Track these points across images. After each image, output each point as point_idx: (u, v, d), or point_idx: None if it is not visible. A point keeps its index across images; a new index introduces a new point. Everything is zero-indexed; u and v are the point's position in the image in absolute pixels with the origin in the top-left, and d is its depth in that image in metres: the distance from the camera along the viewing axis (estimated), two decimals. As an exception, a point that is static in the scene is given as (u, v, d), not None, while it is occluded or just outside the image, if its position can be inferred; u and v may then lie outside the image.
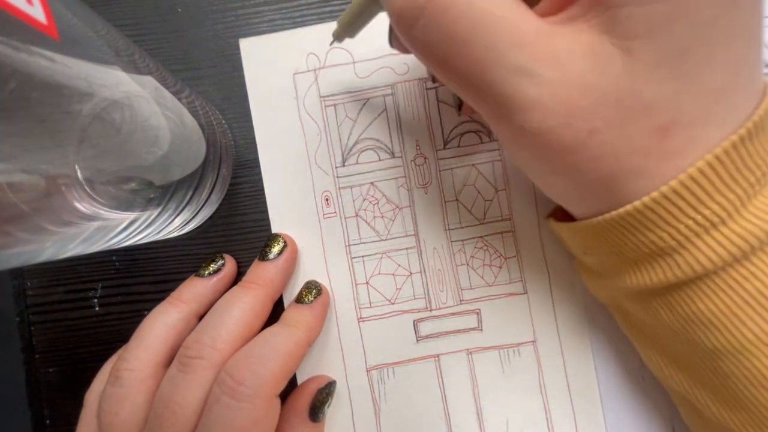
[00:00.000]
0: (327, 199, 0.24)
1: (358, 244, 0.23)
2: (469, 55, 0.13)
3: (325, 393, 0.21)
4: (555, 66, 0.13)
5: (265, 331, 0.20)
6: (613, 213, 0.15)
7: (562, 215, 0.20)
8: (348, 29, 0.19)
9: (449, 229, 0.23)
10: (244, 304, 0.20)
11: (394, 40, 0.18)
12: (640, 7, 0.12)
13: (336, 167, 0.23)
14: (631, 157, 0.13)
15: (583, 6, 0.13)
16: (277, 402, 0.19)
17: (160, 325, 0.21)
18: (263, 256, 0.22)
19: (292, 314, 0.22)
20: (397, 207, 0.24)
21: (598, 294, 0.20)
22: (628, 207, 0.14)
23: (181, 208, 0.20)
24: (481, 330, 0.23)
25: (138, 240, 0.19)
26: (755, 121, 0.13)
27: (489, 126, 0.16)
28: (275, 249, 0.22)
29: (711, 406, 0.17)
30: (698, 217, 0.14)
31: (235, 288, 0.21)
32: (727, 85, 0.13)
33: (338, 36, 0.19)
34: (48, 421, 0.24)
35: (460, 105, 0.23)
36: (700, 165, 0.13)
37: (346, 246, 0.23)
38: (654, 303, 0.16)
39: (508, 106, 0.14)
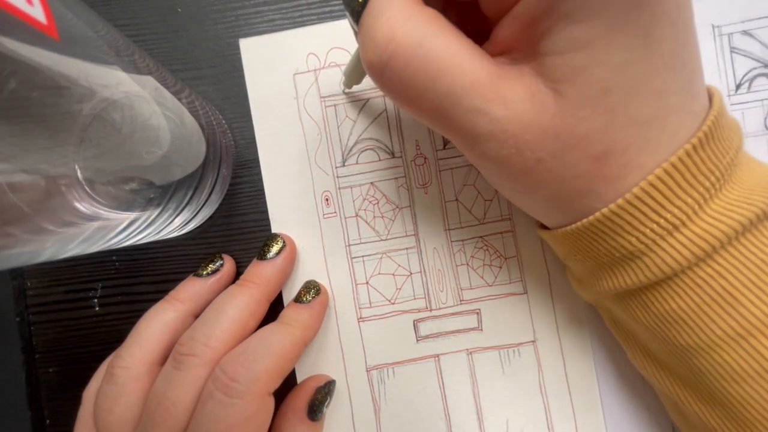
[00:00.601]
0: (327, 199, 0.24)
1: (358, 244, 0.23)
2: (431, 100, 0.15)
3: (324, 392, 0.21)
4: (503, 106, 0.15)
5: (261, 329, 0.20)
6: (576, 225, 0.16)
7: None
8: (352, 79, 0.22)
9: (449, 229, 0.23)
10: (240, 302, 0.20)
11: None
12: (560, 56, 0.14)
13: (336, 167, 0.23)
14: (575, 181, 0.15)
15: (521, 51, 0.15)
16: (271, 400, 0.19)
17: (156, 323, 0.21)
18: (262, 256, 0.22)
19: (290, 313, 0.22)
20: (397, 207, 0.24)
21: (584, 296, 0.21)
22: (591, 218, 0.16)
23: (181, 208, 0.20)
24: (481, 330, 0.23)
25: (138, 240, 0.19)
26: (705, 131, 0.15)
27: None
28: (274, 249, 0.22)
29: (692, 404, 0.17)
30: (661, 221, 0.15)
31: (232, 287, 0.21)
32: (655, 115, 0.14)
33: (347, 85, 0.22)
34: (48, 421, 0.24)
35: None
36: (658, 173, 0.14)
37: (346, 246, 0.23)
38: (631, 304, 0.17)
39: (469, 138, 0.16)
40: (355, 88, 0.23)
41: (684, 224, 0.15)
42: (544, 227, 0.20)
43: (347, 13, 0.16)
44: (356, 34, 0.17)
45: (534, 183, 0.16)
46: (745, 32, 0.23)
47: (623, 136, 0.14)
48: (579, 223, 0.16)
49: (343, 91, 0.23)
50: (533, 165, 0.15)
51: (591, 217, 0.16)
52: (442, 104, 0.15)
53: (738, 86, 0.23)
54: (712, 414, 0.16)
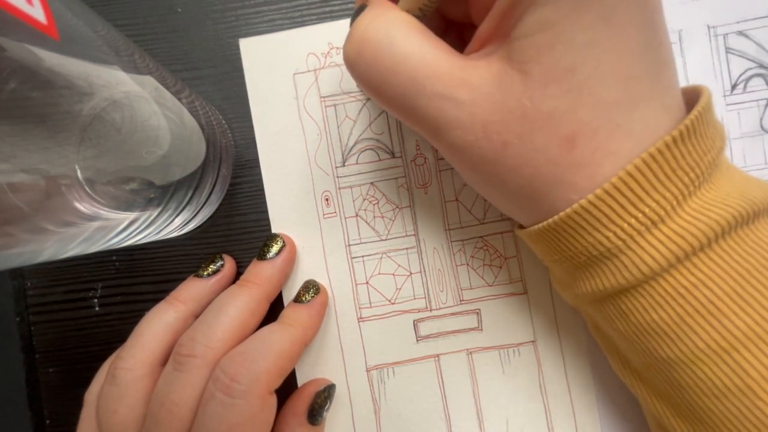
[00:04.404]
0: (327, 199, 0.24)
1: (358, 244, 0.23)
2: (395, 87, 0.16)
3: (323, 396, 0.21)
4: (468, 90, 0.15)
5: (261, 329, 0.20)
6: (551, 220, 0.16)
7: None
8: None
9: (449, 229, 0.23)
10: (240, 302, 0.20)
11: None
12: (527, 39, 0.14)
13: (336, 167, 0.23)
14: (544, 167, 0.15)
15: (494, 44, 0.15)
16: (273, 399, 0.19)
17: (158, 324, 0.21)
18: (262, 256, 0.22)
19: (289, 313, 0.22)
20: (397, 207, 0.24)
21: (567, 299, 0.20)
22: (567, 211, 0.15)
23: (181, 208, 0.20)
24: (481, 330, 0.23)
25: (138, 240, 0.19)
26: (687, 124, 0.14)
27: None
28: (274, 249, 0.22)
29: (671, 419, 0.17)
30: (639, 215, 0.14)
31: (232, 287, 0.21)
32: (621, 97, 0.14)
33: None
34: (48, 421, 0.24)
35: None
36: (637, 162, 0.14)
37: (346, 246, 0.23)
38: (609, 312, 0.17)
39: (434, 126, 0.16)
40: (353, 85, 0.23)
41: (662, 220, 0.14)
42: (522, 227, 0.19)
43: (351, 24, 0.17)
44: None
45: (504, 172, 0.16)
46: (741, 33, 0.23)
47: (591, 118, 0.14)
48: (556, 217, 0.15)
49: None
50: (501, 149, 0.15)
51: (569, 209, 0.15)
52: (407, 92, 0.16)
53: (733, 87, 0.23)
54: (690, 431, 0.16)
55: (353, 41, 0.16)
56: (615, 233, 0.15)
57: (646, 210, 0.14)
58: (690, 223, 0.14)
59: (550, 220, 0.16)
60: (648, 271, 0.15)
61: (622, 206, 0.15)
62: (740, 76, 0.23)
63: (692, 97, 0.16)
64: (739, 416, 0.14)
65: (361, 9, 0.17)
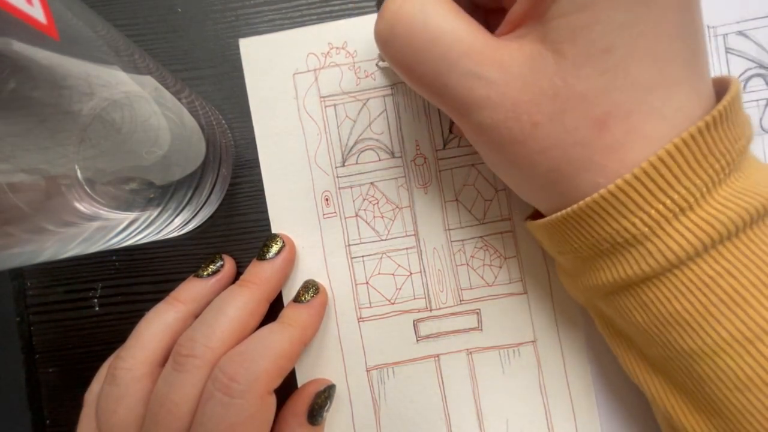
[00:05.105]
0: (327, 199, 0.24)
1: (358, 244, 0.23)
2: (427, 65, 0.16)
3: (323, 396, 0.21)
4: (499, 69, 0.15)
5: (260, 329, 0.20)
6: (577, 205, 0.15)
7: (537, 216, 0.20)
8: None
9: (449, 229, 0.23)
10: (240, 302, 0.20)
11: (453, 127, 0.23)
12: (563, 18, 0.14)
13: (336, 167, 0.23)
14: (574, 149, 0.15)
15: (528, 26, 0.15)
16: (272, 399, 0.19)
17: (157, 324, 0.21)
18: (261, 256, 0.22)
19: (289, 313, 0.22)
20: (397, 207, 0.24)
21: (576, 295, 0.20)
22: (595, 195, 0.15)
23: (181, 208, 0.20)
24: (481, 330, 0.23)
25: (138, 240, 0.19)
26: (720, 111, 0.14)
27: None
28: (273, 249, 0.22)
29: (687, 416, 0.16)
30: (667, 201, 0.14)
31: (231, 287, 0.21)
32: (657, 80, 0.14)
33: (381, 58, 0.23)
34: (48, 421, 0.24)
35: (450, 127, 0.23)
36: (663, 152, 0.14)
37: (346, 246, 0.23)
38: (628, 304, 0.16)
39: (464, 105, 0.16)
40: (362, 85, 0.23)
41: (691, 208, 0.14)
42: (534, 218, 0.19)
43: (376, 5, 0.17)
44: None
45: (531, 153, 0.15)
46: (740, 33, 0.23)
47: (624, 100, 0.14)
48: (582, 202, 0.15)
49: (377, 64, 0.23)
50: (530, 130, 0.15)
51: (596, 194, 0.15)
52: (439, 70, 0.16)
53: None
54: (708, 426, 0.16)
55: (386, 18, 0.16)
56: (641, 219, 0.15)
57: (675, 196, 0.14)
58: (719, 211, 0.14)
59: (575, 205, 0.15)
60: (674, 258, 0.14)
61: (650, 192, 0.14)
62: (740, 76, 0.23)
63: (719, 88, 0.16)
64: (762, 409, 0.14)
65: None
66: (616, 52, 0.14)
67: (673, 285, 0.15)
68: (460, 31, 0.15)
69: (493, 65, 0.15)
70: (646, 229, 0.15)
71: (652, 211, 0.14)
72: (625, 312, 0.17)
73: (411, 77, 0.17)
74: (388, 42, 0.16)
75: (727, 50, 0.23)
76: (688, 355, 0.15)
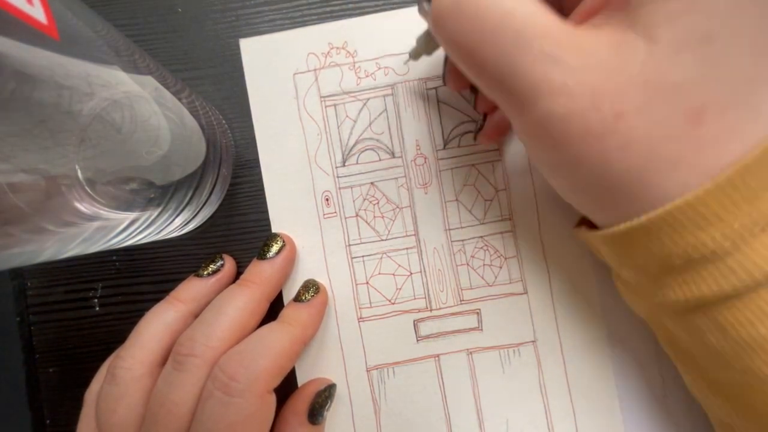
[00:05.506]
0: (327, 199, 0.24)
1: (358, 244, 0.23)
2: (498, 44, 0.14)
3: (324, 396, 0.21)
4: (580, 54, 0.13)
5: (260, 328, 0.20)
6: (654, 213, 0.14)
7: (589, 223, 0.19)
8: (423, 50, 0.21)
9: (449, 229, 0.23)
10: (239, 302, 0.20)
11: (448, 77, 0.21)
12: (657, 3, 0.13)
13: (336, 167, 0.23)
14: (663, 143, 0.13)
15: (606, 14, 0.14)
16: (271, 398, 0.19)
17: (157, 324, 0.21)
18: (261, 255, 0.22)
19: (289, 312, 0.22)
20: (397, 207, 0.23)
21: (638, 310, 0.18)
22: (679, 202, 0.13)
23: (181, 208, 0.20)
24: (481, 330, 0.23)
25: (138, 240, 0.19)
26: None
27: (510, 122, 0.16)
28: (274, 248, 0.22)
29: None
30: (754, 213, 0.13)
31: (231, 286, 0.21)
32: (757, 75, 0.13)
33: (415, 56, 0.21)
34: (48, 421, 0.24)
35: (477, 131, 0.23)
36: (757, 153, 0.13)
37: (346, 246, 0.23)
38: (702, 325, 0.15)
39: (534, 92, 0.14)
40: (362, 85, 0.23)
41: None
42: (587, 228, 0.18)
43: None
44: (424, 13, 0.16)
45: (610, 150, 0.14)
46: None
47: (723, 92, 0.13)
48: (655, 213, 0.13)
49: (406, 62, 0.22)
50: (612, 122, 0.13)
51: (673, 204, 0.13)
52: (509, 51, 0.14)
53: None
54: None
55: None
56: (724, 233, 0.13)
57: (764, 207, 0.13)
58: None
59: (651, 214, 0.14)
60: (761, 276, 0.13)
61: (737, 201, 0.13)
62: None
63: None
64: None
65: None
66: (717, 40, 0.13)
67: (757, 306, 0.13)
68: (536, 10, 0.14)
69: (572, 49, 0.14)
70: (728, 244, 0.13)
71: (736, 224, 0.13)
72: (697, 333, 0.15)
73: (472, 60, 0.15)
74: (450, 18, 0.15)
75: None
76: None
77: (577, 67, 0.13)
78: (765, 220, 0.13)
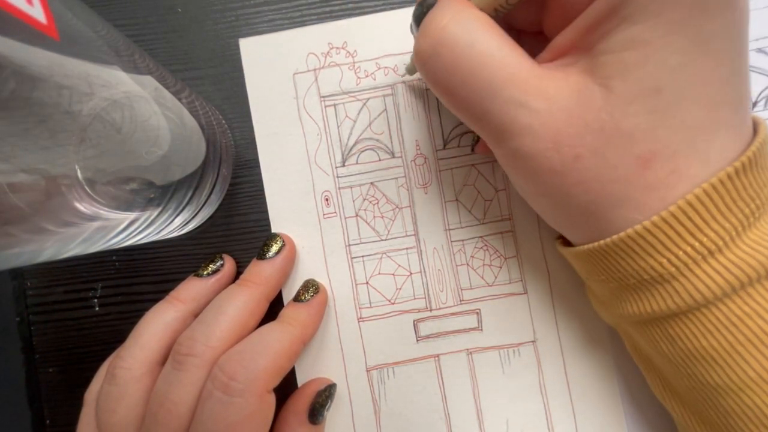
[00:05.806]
0: (327, 199, 0.24)
1: (358, 244, 0.23)
2: (471, 88, 0.16)
3: (324, 395, 0.21)
4: (544, 99, 0.15)
5: (260, 328, 0.20)
6: (609, 239, 0.15)
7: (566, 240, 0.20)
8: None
9: (449, 229, 0.23)
10: (239, 302, 0.20)
11: (476, 146, 0.23)
12: (614, 54, 0.14)
13: (336, 167, 0.23)
14: (614, 185, 0.15)
15: (573, 56, 0.15)
16: (271, 397, 0.19)
17: (157, 323, 0.21)
18: (261, 255, 0.22)
19: (288, 312, 0.22)
20: (397, 207, 0.24)
21: (605, 317, 0.20)
22: (629, 231, 0.15)
23: (181, 208, 0.20)
24: (481, 330, 0.23)
25: (138, 240, 0.19)
26: (749, 156, 0.14)
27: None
28: (273, 248, 0.22)
29: None
30: (696, 244, 0.14)
31: (231, 286, 0.21)
32: (705, 123, 0.14)
33: (411, 70, 0.22)
34: (48, 421, 0.24)
35: (474, 144, 0.23)
36: (698, 192, 0.14)
37: (346, 246, 0.23)
38: (655, 335, 0.16)
39: (504, 131, 0.16)
40: (362, 85, 0.23)
41: (720, 250, 0.14)
42: (565, 243, 0.19)
43: (412, 23, 0.17)
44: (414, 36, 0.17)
45: (569, 185, 0.15)
46: (760, 50, 0.23)
47: (671, 140, 0.14)
48: (615, 237, 0.15)
49: (403, 75, 0.23)
50: (571, 162, 0.15)
51: (630, 230, 0.15)
52: (481, 94, 0.15)
53: (754, 104, 0.23)
54: None
55: (429, 39, 0.16)
56: (669, 260, 0.15)
57: (704, 239, 0.14)
58: (748, 254, 0.14)
59: (607, 239, 0.15)
60: (701, 298, 0.14)
61: (681, 233, 0.14)
62: (760, 93, 0.23)
63: None
64: None
65: (429, 4, 0.16)
66: (666, 92, 0.14)
67: (700, 322, 0.15)
68: (506, 56, 0.15)
69: (538, 94, 0.15)
70: (673, 269, 0.15)
71: (680, 253, 0.14)
72: (652, 342, 0.17)
73: (451, 99, 0.16)
74: (430, 61, 0.16)
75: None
76: (713, 389, 0.15)
77: (541, 111, 0.15)
78: (707, 250, 0.14)
